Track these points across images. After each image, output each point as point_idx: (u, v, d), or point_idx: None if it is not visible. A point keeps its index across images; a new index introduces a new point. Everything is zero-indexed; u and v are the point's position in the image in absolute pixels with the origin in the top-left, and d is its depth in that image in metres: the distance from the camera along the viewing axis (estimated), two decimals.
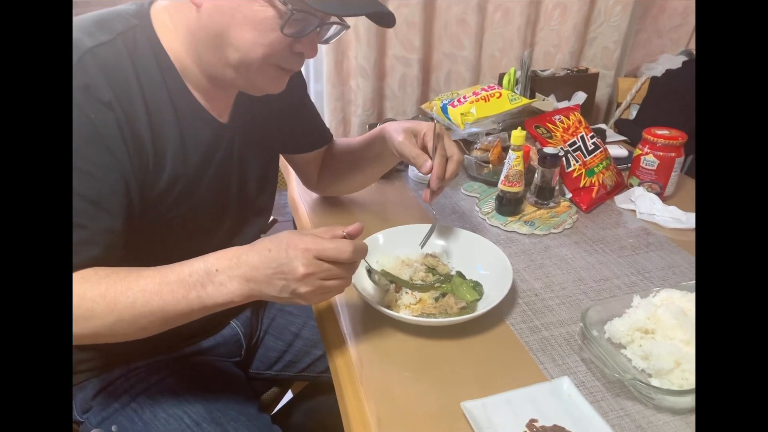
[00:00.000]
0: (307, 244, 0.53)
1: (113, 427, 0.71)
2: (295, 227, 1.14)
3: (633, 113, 1.60)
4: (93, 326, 0.52)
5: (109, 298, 0.52)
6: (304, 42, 0.58)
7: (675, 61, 1.58)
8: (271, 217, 1.12)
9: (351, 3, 0.57)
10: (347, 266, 0.55)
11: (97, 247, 0.55)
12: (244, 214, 0.76)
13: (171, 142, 0.61)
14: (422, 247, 0.76)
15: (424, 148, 0.74)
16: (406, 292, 0.69)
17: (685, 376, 0.56)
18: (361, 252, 0.56)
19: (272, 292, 0.54)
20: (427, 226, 0.79)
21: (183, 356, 0.75)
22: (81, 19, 0.57)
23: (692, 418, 0.55)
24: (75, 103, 0.52)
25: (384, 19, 0.62)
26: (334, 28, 0.63)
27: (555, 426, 0.53)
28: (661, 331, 0.61)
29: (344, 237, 0.56)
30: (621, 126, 1.52)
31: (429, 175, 0.72)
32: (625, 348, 0.63)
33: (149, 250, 0.64)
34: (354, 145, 0.88)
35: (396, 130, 0.76)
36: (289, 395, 1.05)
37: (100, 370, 0.72)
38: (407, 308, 0.68)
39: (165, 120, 0.60)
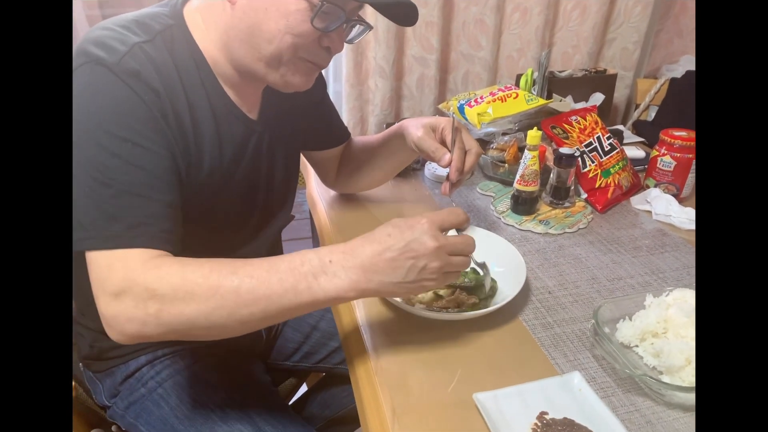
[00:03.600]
0: (429, 218, 0.53)
1: (113, 428, 0.74)
2: (312, 225, 1.16)
3: (652, 115, 1.59)
4: (190, 312, 0.49)
5: (212, 279, 0.50)
6: (331, 36, 0.61)
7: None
8: None
9: None
10: (466, 242, 0.56)
11: (167, 221, 0.55)
12: (270, 209, 0.79)
13: (208, 137, 0.63)
14: None
15: (443, 143, 0.76)
16: None
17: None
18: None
19: (396, 278, 0.52)
20: None
21: (207, 345, 0.78)
22: (119, 18, 0.59)
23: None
24: (128, 86, 0.54)
25: (406, 15, 0.63)
26: (357, 28, 0.65)
27: (565, 419, 0.54)
28: (673, 329, 0.62)
29: None
30: (639, 127, 1.51)
31: (448, 169, 0.74)
32: (636, 345, 0.64)
33: (186, 243, 0.67)
34: (372, 143, 0.90)
35: (415, 126, 0.78)
36: (303, 388, 1.08)
37: (128, 356, 0.75)
38: (422, 302, 0.70)
39: (203, 115, 0.62)
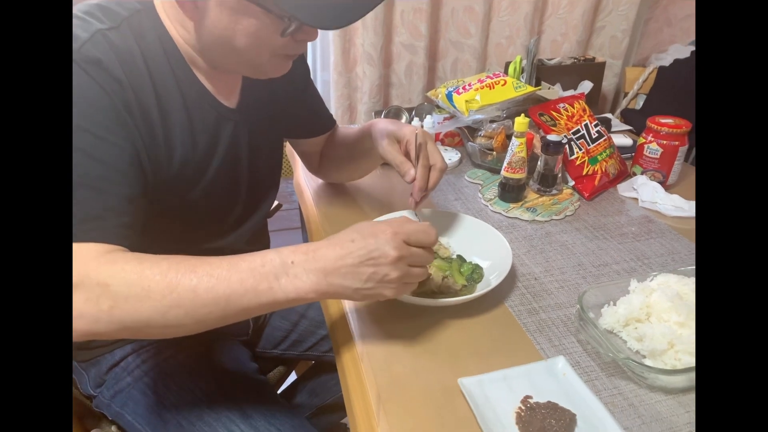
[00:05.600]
0: (395, 228, 0.53)
1: (113, 428, 0.73)
2: (300, 214, 1.16)
3: (640, 103, 1.59)
4: (145, 310, 0.48)
5: (170, 276, 0.48)
6: (305, 30, 0.58)
7: (684, 51, 1.57)
8: (276, 202, 1.14)
9: (345, 13, 0.54)
10: (428, 253, 0.56)
11: (124, 215, 0.53)
12: (255, 199, 0.78)
13: (179, 126, 0.62)
14: None
15: (408, 155, 0.74)
16: None
17: (678, 357, 0.58)
18: (437, 235, 0.57)
19: (355, 284, 0.52)
20: (426, 211, 0.82)
21: (193, 334, 0.78)
22: (84, 4, 0.57)
23: (684, 397, 0.57)
24: (88, 75, 0.52)
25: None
26: None
27: (549, 402, 0.54)
28: (656, 313, 0.62)
29: None
30: (627, 116, 1.52)
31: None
32: (620, 330, 0.64)
33: (164, 235, 0.66)
34: (349, 137, 0.89)
35: (380, 134, 0.76)
36: (293, 377, 1.08)
37: (113, 345, 0.75)
38: None
39: (172, 105, 0.61)
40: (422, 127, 1.18)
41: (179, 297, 0.48)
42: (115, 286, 0.47)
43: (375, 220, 0.72)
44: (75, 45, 0.52)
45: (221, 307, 0.49)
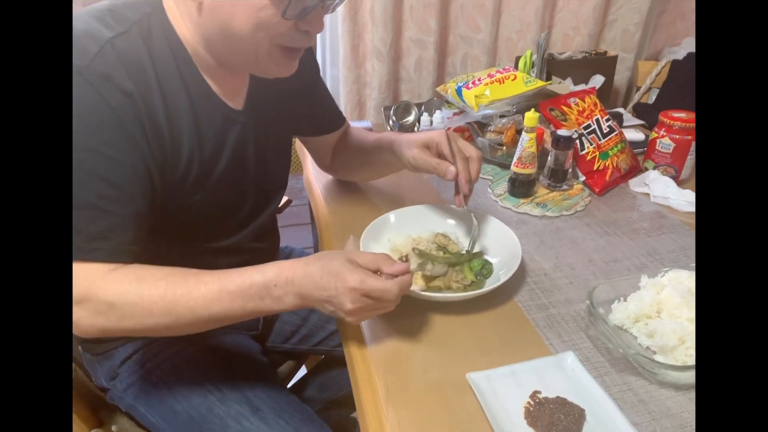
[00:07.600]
0: (355, 284, 0.55)
1: (113, 427, 0.76)
2: (310, 210, 1.16)
3: (653, 97, 1.57)
4: (149, 323, 0.56)
5: (168, 299, 0.55)
6: (308, 19, 0.58)
7: None
8: (285, 198, 1.15)
9: None
10: (387, 306, 0.59)
11: (128, 232, 0.56)
12: (264, 196, 0.78)
13: (186, 128, 0.62)
14: (471, 251, 0.76)
15: (441, 156, 0.75)
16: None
17: (689, 353, 0.57)
18: (406, 287, 0.58)
19: (324, 311, 0.59)
20: (436, 206, 0.82)
21: None
22: (94, 8, 0.58)
23: (694, 394, 0.56)
24: (97, 92, 0.53)
25: None
26: None
27: (557, 398, 0.54)
28: (667, 309, 0.62)
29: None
30: (640, 110, 1.50)
31: (454, 181, 0.73)
32: (631, 326, 0.64)
33: (171, 234, 0.67)
34: (365, 145, 0.89)
35: (407, 146, 0.77)
36: (303, 371, 1.09)
37: (125, 339, 0.76)
38: (416, 283, 0.70)
39: (180, 107, 0.61)
40: (431, 122, 1.18)
41: (178, 315, 0.56)
42: (120, 305, 0.54)
43: (360, 251, 0.65)
44: (84, 61, 0.53)
45: (216, 320, 0.57)
